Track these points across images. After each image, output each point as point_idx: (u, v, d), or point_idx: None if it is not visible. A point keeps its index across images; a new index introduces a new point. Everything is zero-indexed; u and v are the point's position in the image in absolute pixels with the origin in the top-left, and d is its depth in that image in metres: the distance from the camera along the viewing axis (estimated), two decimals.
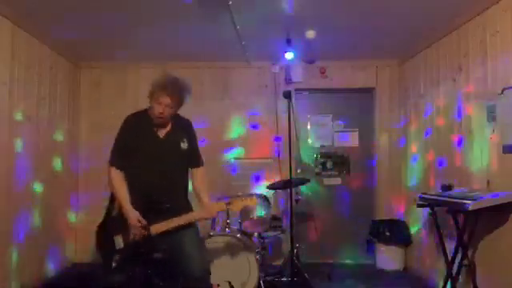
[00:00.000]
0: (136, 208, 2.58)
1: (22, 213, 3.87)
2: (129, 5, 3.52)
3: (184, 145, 2.73)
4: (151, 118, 2.66)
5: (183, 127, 2.81)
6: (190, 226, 2.69)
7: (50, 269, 4.42)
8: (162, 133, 2.71)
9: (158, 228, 2.55)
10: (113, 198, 2.71)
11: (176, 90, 2.62)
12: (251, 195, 2.65)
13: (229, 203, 2.61)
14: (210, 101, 5.27)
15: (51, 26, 3.96)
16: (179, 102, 2.66)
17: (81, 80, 5.26)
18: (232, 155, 5.25)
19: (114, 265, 2.57)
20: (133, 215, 2.55)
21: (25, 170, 3.92)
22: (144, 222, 2.53)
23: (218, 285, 3.64)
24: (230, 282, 3.66)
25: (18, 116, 3.81)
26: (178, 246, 2.63)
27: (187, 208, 2.73)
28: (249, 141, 5.28)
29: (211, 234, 3.80)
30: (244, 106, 5.29)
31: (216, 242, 3.73)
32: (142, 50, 4.73)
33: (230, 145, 5.27)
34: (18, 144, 3.81)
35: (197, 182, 2.81)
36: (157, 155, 2.65)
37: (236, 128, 5.29)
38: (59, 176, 4.64)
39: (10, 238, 3.69)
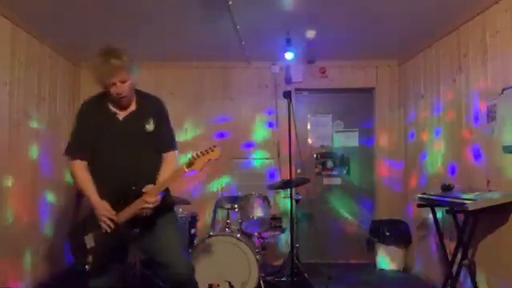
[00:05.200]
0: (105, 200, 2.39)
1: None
2: (129, 5, 3.53)
3: (150, 126, 2.47)
4: (112, 101, 2.45)
5: (150, 107, 2.52)
6: (170, 220, 2.52)
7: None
8: (122, 114, 2.47)
9: (122, 215, 2.34)
10: (79, 201, 2.56)
11: (119, 58, 2.33)
12: (213, 147, 2.29)
13: (190, 164, 2.28)
14: (210, 101, 5.27)
15: (51, 26, 3.96)
16: (130, 69, 2.37)
17: (81, 80, 5.26)
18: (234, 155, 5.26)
19: (87, 267, 2.37)
20: (100, 205, 2.34)
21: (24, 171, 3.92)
22: (112, 211, 2.33)
23: (218, 285, 3.64)
24: (229, 282, 3.66)
25: (18, 116, 3.81)
26: (158, 244, 2.44)
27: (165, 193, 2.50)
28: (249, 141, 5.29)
29: (211, 233, 3.80)
30: (244, 106, 5.29)
31: (216, 241, 3.73)
32: (142, 50, 4.72)
33: (232, 144, 5.27)
34: (18, 144, 3.81)
35: (162, 166, 2.48)
36: (118, 139, 2.43)
37: (236, 127, 5.30)
38: (58, 176, 4.64)
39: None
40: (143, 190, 2.33)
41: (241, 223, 4.05)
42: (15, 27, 3.72)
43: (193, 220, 4.36)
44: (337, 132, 5.42)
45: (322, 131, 5.44)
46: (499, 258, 3.11)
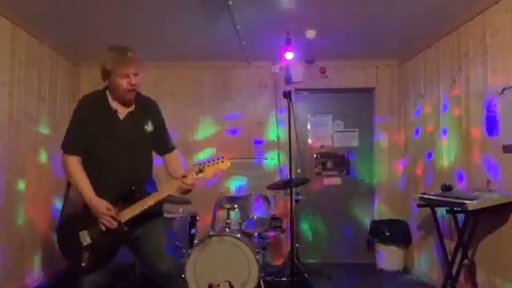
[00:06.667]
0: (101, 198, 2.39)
1: (14, 214, 3.84)
2: (129, 5, 3.53)
3: (148, 127, 2.52)
4: (116, 96, 2.47)
5: (148, 108, 2.58)
6: (159, 216, 2.56)
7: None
8: (122, 113, 2.48)
9: (126, 214, 2.36)
10: (67, 195, 2.59)
11: (133, 52, 2.44)
12: (222, 158, 2.42)
13: (199, 171, 2.39)
14: (210, 101, 5.27)
15: (51, 26, 3.96)
16: (140, 64, 2.47)
17: (81, 80, 5.26)
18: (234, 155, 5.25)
19: (83, 264, 2.37)
20: (100, 203, 2.34)
21: (23, 171, 3.92)
22: (113, 209, 2.36)
23: (218, 285, 3.64)
24: (229, 282, 3.66)
25: (18, 116, 3.81)
26: (146, 244, 2.47)
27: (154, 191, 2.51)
28: (249, 141, 5.29)
29: (211, 233, 3.80)
30: (244, 106, 5.29)
31: (216, 241, 3.73)
32: (142, 50, 4.69)
33: (233, 144, 5.27)
34: (18, 144, 3.80)
35: (172, 166, 2.60)
36: (118, 137, 2.44)
37: (236, 128, 5.30)
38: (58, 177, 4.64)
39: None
40: (182, 174, 2.42)
41: (241, 223, 4.05)
42: (15, 27, 3.72)
43: (193, 220, 4.36)
44: (337, 132, 5.42)
45: (322, 131, 5.44)
46: (499, 258, 3.11)
